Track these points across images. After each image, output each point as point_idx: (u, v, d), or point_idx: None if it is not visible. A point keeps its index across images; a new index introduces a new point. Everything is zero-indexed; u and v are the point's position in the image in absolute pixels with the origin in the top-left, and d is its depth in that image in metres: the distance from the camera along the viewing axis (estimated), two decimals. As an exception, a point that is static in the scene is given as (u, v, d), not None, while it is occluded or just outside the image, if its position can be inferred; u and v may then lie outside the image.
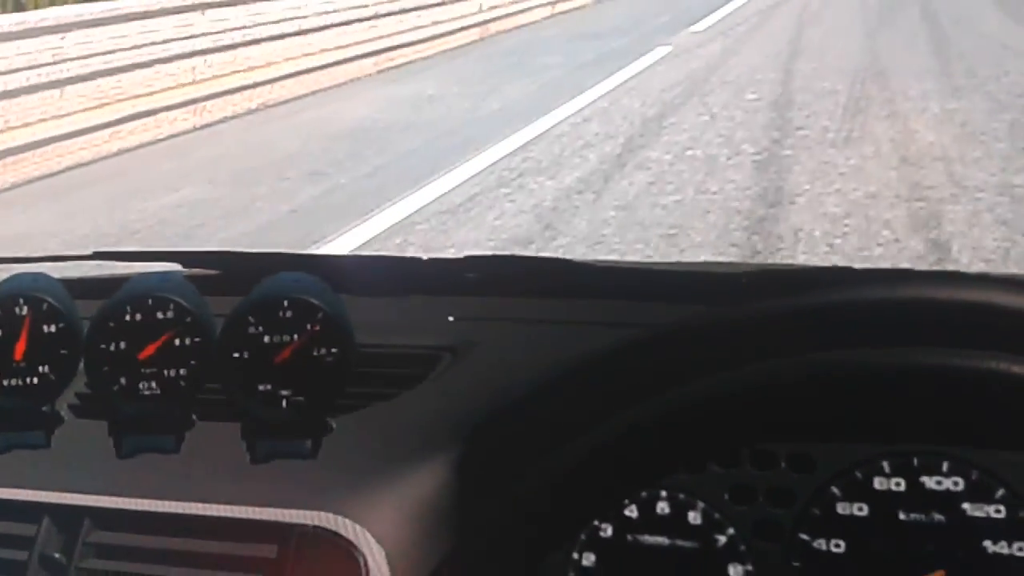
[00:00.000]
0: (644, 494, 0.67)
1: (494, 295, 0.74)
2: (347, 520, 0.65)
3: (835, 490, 0.65)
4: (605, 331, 0.69)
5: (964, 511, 0.62)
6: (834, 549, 0.64)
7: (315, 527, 0.65)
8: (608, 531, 0.68)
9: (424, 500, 0.66)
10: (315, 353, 0.67)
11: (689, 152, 4.68)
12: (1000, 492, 0.62)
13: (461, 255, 0.78)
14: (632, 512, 0.67)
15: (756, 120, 5.27)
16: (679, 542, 0.66)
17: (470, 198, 4.16)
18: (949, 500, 0.63)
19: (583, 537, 0.68)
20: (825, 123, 5.05)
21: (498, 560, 0.67)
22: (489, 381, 0.70)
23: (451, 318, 0.74)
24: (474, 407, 0.68)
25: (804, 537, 0.64)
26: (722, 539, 0.66)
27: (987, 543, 0.62)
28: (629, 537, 0.67)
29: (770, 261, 3.17)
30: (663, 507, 0.67)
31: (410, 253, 3.31)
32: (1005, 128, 4.70)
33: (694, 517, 0.67)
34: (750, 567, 0.65)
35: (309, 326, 0.66)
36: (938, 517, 0.63)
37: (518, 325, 0.73)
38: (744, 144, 4.74)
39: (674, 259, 3.09)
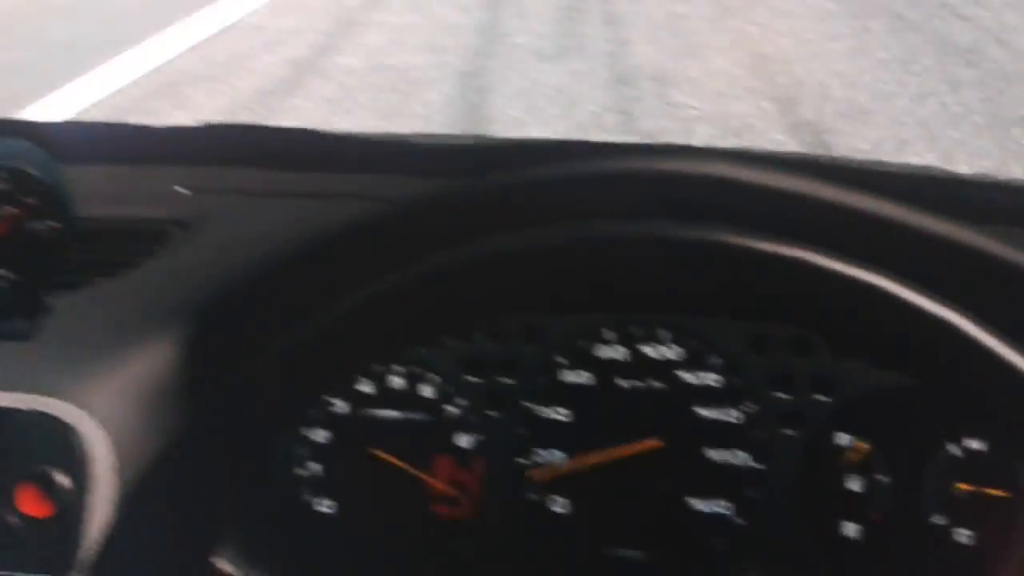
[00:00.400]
0: (378, 369, 0.67)
1: (229, 165, 0.69)
2: (66, 404, 0.62)
3: (561, 359, 0.66)
4: (342, 204, 0.66)
5: (680, 378, 0.65)
6: (558, 416, 0.66)
7: (31, 411, 0.62)
8: (340, 406, 0.67)
9: (150, 381, 0.64)
10: (32, 227, 0.62)
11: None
12: (715, 360, 0.65)
13: (195, 122, 0.72)
14: (366, 387, 0.67)
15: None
16: (412, 415, 0.67)
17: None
18: (667, 368, 0.65)
19: (315, 414, 0.67)
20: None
21: (227, 439, 0.66)
22: (221, 256, 0.67)
23: (182, 190, 0.70)
24: (204, 284, 0.66)
25: (530, 405, 0.66)
26: (453, 410, 0.67)
27: (701, 409, 0.64)
28: (362, 412, 0.67)
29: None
30: (397, 381, 0.67)
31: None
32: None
33: (427, 389, 0.67)
34: (479, 436, 0.66)
35: (24, 197, 0.62)
36: (656, 384, 0.65)
37: (253, 198, 0.69)
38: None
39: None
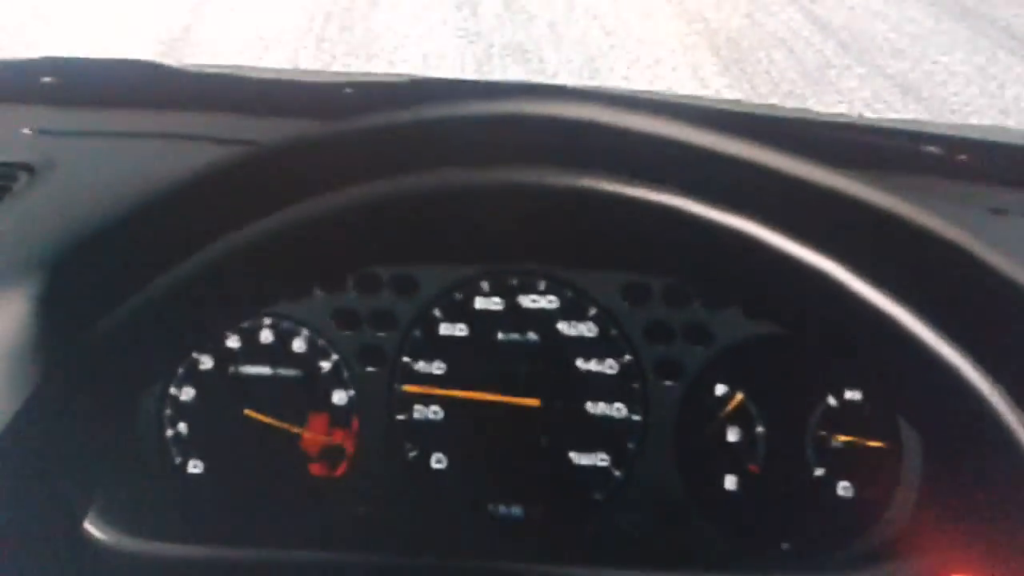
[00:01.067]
0: (246, 324, 0.65)
1: (78, 104, 0.66)
2: None
3: (437, 312, 0.64)
4: (201, 147, 0.63)
5: (558, 330, 0.64)
6: (436, 371, 0.64)
7: None
8: (208, 363, 0.65)
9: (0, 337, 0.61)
10: None
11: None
12: (592, 311, 0.64)
13: (37, 55, 0.68)
14: (234, 342, 0.65)
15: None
16: (283, 371, 0.65)
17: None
18: (544, 319, 0.64)
19: (181, 371, 0.65)
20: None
21: (87, 399, 0.64)
22: (72, 203, 0.64)
23: (27, 130, 0.66)
24: (54, 233, 0.63)
25: (406, 360, 0.65)
26: (326, 366, 0.65)
27: (579, 361, 0.64)
28: (231, 368, 0.65)
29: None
30: (266, 336, 0.65)
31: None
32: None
33: (298, 345, 0.65)
34: (353, 393, 0.65)
35: None
36: (533, 336, 0.64)
37: (107, 139, 0.66)
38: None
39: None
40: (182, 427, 0.66)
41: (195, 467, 0.65)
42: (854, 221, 0.44)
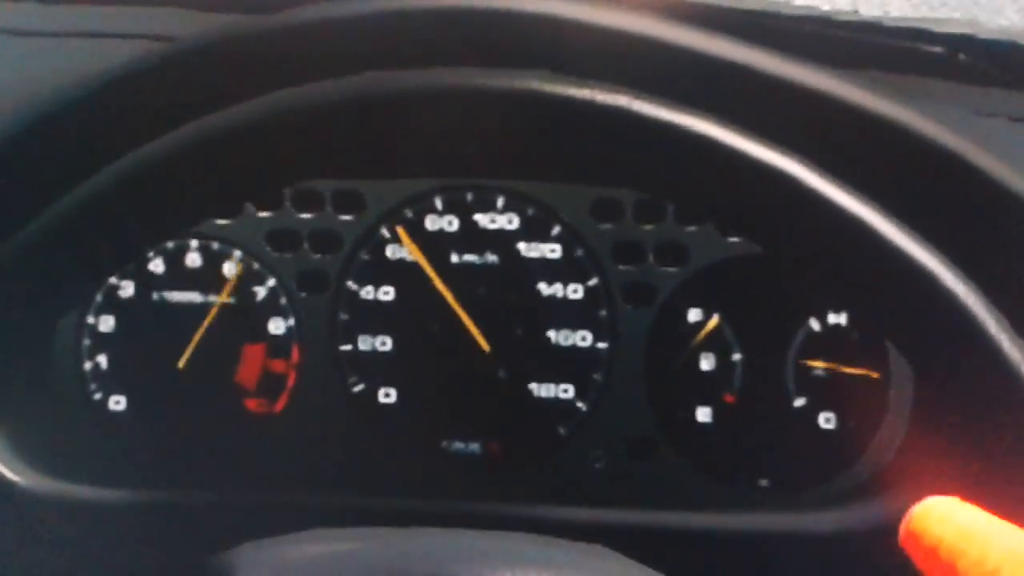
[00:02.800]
0: (170, 244, 0.61)
1: None
2: None
3: (384, 232, 0.60)
4: (118, 44, 0.59)
5: (519, 251, 0.60)
6: (383, 297, 0.61)
7: None
8: (129, 290, 0.61)
9: None
10: None
11: None
12: (556, 230, 0.60)
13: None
14: (157, 266, 0.61)
15: None
16: (213, 297, 0.61)
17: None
18: (504, 239, 0.60)
19: (99, 299, 0.61)
20: None
21: None
22: None
23: None
24: None
25: (352, 286, 0.61)
26: (262, 291, 0.61)
27: (541, 285, 0.60)
28: (154, 295, 0.61)
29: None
30: (193, 259, 0.61)
31: None
32: None
33: (229, 268, 0.61)
34: (292, 321, 0.61)
35: None
36: (491, 258, 0.60)
37: (7, 38, 0.61)
38: None
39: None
40: (101, 360, 0.62)
41: (117, 403, 0.62)
42: (834, 124, 0.41)
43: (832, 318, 0.58)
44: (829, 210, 0.39)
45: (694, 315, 0.59)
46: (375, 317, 0.60)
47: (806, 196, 0.39)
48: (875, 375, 0.59)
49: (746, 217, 0.42)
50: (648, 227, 0.58)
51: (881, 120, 0.39)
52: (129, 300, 0.60)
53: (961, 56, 0.58)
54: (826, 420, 0.59)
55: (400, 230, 0.59)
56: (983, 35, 0.61)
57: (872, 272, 0.38)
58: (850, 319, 0.58)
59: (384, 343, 0.60)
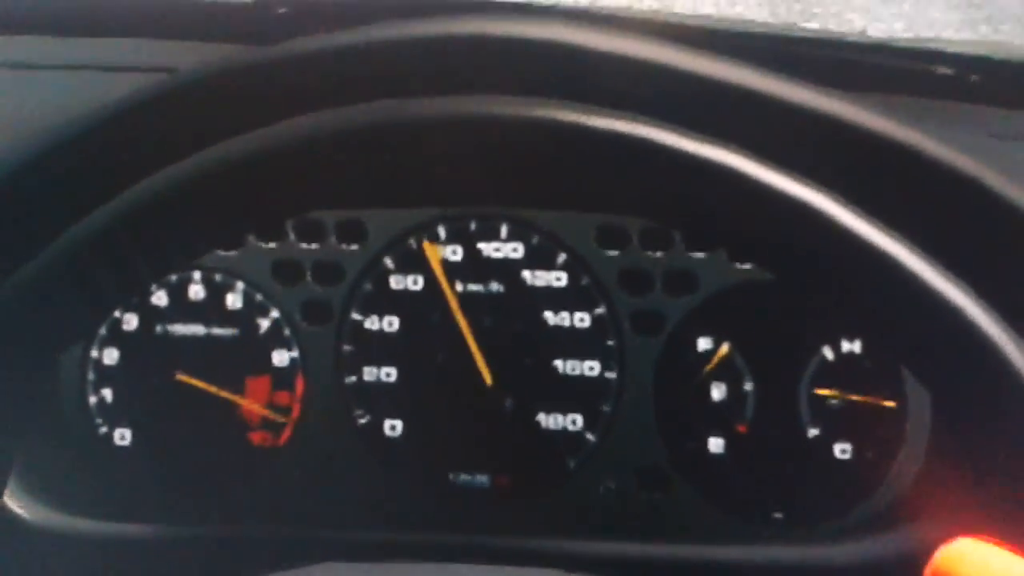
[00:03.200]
0: (174, 277, 0.61)
1: None
2: None
3: (388, 262, 0.60)
4: (120, 77, 0.59)
5: (524, 280, 0.60)
6: (387, 328, 0.60)
7: None
8: (132, 323, 0.60)
9: None
10: None
11: None
12: (561, 258, 0.59)
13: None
14: (160, 299, 0.60)
15: None
16: (216, 330, 0.61)
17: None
18: (509, 268, 0.59)
19: (103, 332, 0.61)
20: None
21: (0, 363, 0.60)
22: None
23: None
24: None
25: (356, 316, 0.60)
26: (265, 323, 0.60)
27: (547, 314, 0.60)
28: (158, 328, 0.61)
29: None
30: (197, 291, 0.61)
31: None
32: None
33: (233, 300, 0.61)
34: (296, 353, 0.61)
35: None
36: (496, 287, 0.60)
37: (10, 71, 0.61)
38: None
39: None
40: (106, 393, 0.61)
41: (122, 438, 0.61)
42: (846, 146, 0.40)
43: (846, 346, 0.57)
44: (845, 234, 0.38)
45: (704, 343, 0.58)
46: (380, 348, 0.59)
47: (822, 220, 0.38)
48: (891, 404, 0.58)
49: (760, 243, 0.41)
50: (655, 254, 0.57)
51: (898, 144, 0.39)
52: (133, 333, 0.60)
53: (973, 77, 0.58)
54: (841, 451, 0.58)
55: (427, 246, 0.59)
56: (997, 56, 0.61)
57: (889, 297, 0.38)
58: (864, 347, 0.57)
59: (389, 374, 0.60)
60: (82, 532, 0.59)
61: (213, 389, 0.60)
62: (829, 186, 0.39)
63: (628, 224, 0.58)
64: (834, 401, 0.58)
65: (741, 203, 0.40)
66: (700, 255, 0.57)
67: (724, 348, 0.58)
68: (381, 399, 0.60)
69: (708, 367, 0.58)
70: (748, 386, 0.58)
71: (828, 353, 0.58)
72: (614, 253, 0.58)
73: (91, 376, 0.60)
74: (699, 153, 0.39)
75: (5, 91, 0.60)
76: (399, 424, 0.60)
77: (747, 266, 0.57)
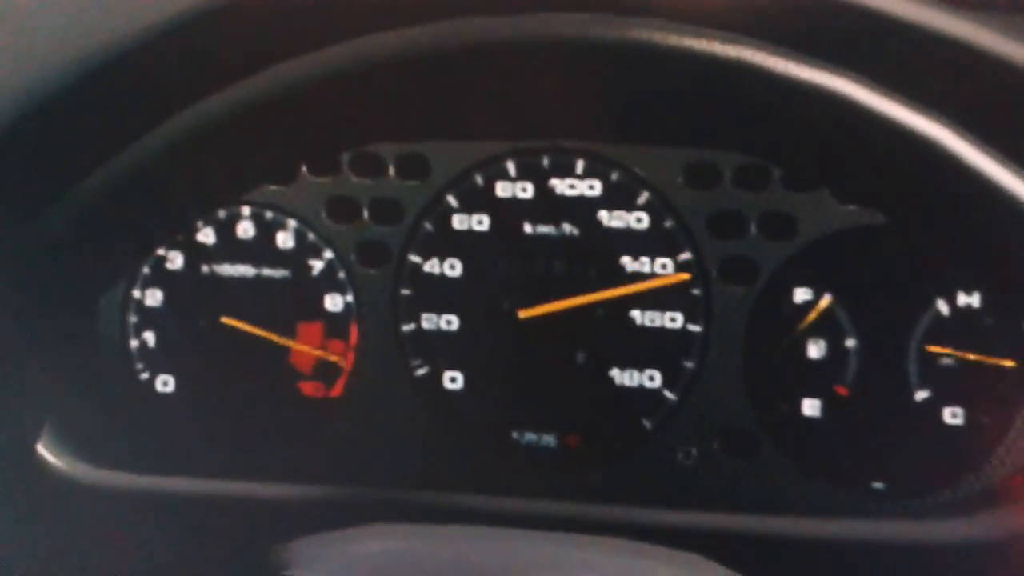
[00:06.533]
0: (222, 213, 0.59)
1: None
2: None
3: (451, 200, 0.57)
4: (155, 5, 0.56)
5: (601, 221, 0.56)
6: (449, 272, 0.57)
7: None
8: (177, 262, 0.59)
9: None
10: None
11: None
12: (643, 197, 0.56)
13: None
14: (207, 237, 0.58)
15: None
16: (266, 271, 0.59)
17: None
18: (583, 208, 0.56)
19: (146, 271, 0.59)
20: None
21: (36, 304, 0.59)
22: (16, 66, 0.58)
23: None
24: None
25: (415, 259, 0.57)
26: (319, 265, 0.58)
27: (625, 259, 0.56)
28: (204, 268, 0.59)
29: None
30: (245, 228, 0.58)
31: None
32: None
33: (284, 239, 0.58)
34: (351, 298, 0.58)
35: None
36: (569, 229, 0.56)
37: None
38: None
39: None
40: (148, 337, 0.60)
41: (164, 384, 0.60)
42: (978, 78, 0.37)
43: (963, 299, 0.54)
44: (974, 171, 0.35)
45: (801, 295, 0.55)
46: (440, 293, 0.57)
47: (950, 154, 0.35)
48: (1011, 364, 0.54)
49: (873, 179, 0.38)
50: (750, 195, 0.54)
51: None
52: (177, 273, 0.58)
53: None
54: (952, 415, 0.54)
55: (468, 198, 0.56)
56: None
57: (1015, 245, 0.34)
58: (984, 300, 0.53)
59: (450, 322, 0.57)
60: (119, 487, 0.57)
61: (262, 335, 0.58)
62: (954, 120, 0.35)
63: (720, 161, 0.54)
64: (947, 360, 0.54)
65: (856, 131, 0.37)
66: (800, 196, 0.54)
67: (825, 300, 0.54)
68: (441, 349, 0.57)
69: (806, 321, 0.55)
70: (850, 343, 0.54)
71: (942, 307, 0.54)
72: (703, 193, 0.54)
73: (133, 318, 0.59)
74: (809, 75, 0.36)
75: (42, 9, 0.58)
76: (459, 376, 0.57)
77: (853, 208, 0.53)
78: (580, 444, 0.57)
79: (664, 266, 0.55)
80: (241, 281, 0.58)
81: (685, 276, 0.55)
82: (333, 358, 0.58)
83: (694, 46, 0.39)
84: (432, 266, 0.57)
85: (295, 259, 0.57)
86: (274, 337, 0.58)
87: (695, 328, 0.55)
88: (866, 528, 0.53)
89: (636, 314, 0.56)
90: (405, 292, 0.57)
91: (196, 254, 0.58)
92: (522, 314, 0.56)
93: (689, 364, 0.55)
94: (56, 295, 0.59)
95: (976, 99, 0.36)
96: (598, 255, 0.56)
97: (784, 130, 0.38)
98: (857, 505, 0.54)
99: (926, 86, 0.36)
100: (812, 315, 0.54)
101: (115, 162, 0.54)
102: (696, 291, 0.55)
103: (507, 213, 0.56)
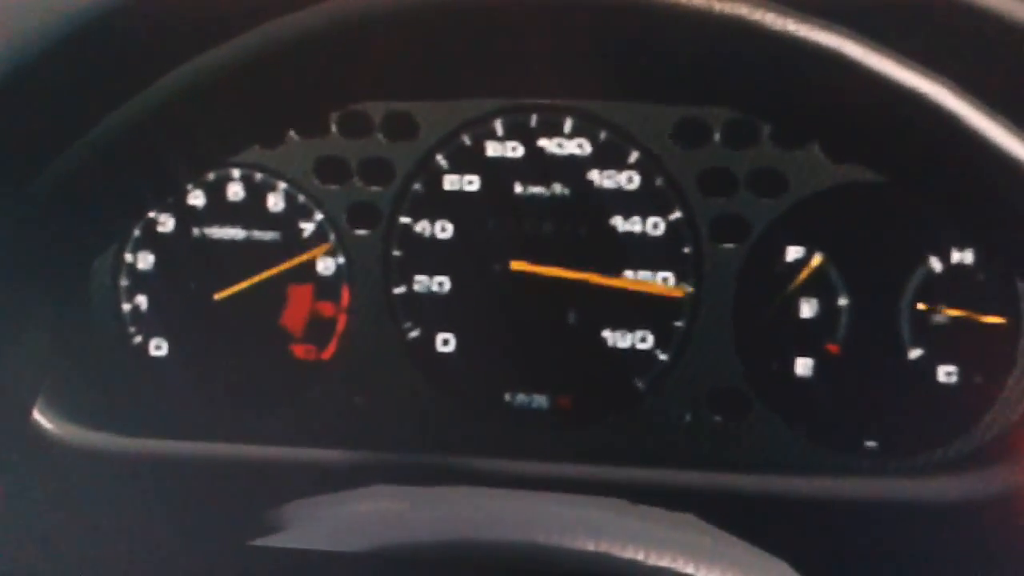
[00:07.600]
0: (211, 176, 0.59)
1: None
2: None
3: (441, 160, 0.57)
4: None
5: (590, 181, 0.56)
6: (440, 233, 0.58)
7: None
8: (168, 224, 0.59)
9: None
10: None
11: None
12: (633, 156, 0.56)
13: None
14: (197, 199, 0.59)
15: None
16: (256, 233, 0.59)
17: None
18: (573, 167, 0.56)
19: (137, 234, 0.60)
20: None
21: (27, 267, 0.60)
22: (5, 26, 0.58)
23: None
24: None
25: (406, 220, 0.58)
26: (309, 227, 0.58)
27: (616, 219, 0.56)
28: (195, 230, 0.59)
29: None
30: (236, 191, 0.59)
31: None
32: None
33: (274, 201, 0.59)
34: (342, 260, 0.59)
35: None
36: (559, 189, 0.57)
37: None
38: None
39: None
40: (141, 300, 0.60)
41: (157, 348, 0.61)
42: (976, 35, 0.36)
43: (956, 256, 0.54)
44: (968, 133, 0.35)
45: (793, 253, 0.55)
46: (431, 255, 0.57)
47: (944, 109, 0.35)
48: (1003, 322, 0.54)
49: (865, 135, 0.38)
50: (740, 152, 0.54)
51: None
52: (168, 235, 0.59)
53: None
54: (945, 374, 0.55)
55: (457, 158, 0.56)
56: None
57: (1016, 198, 0.34)
58: (978, 257, 0.53)
59: (441, 284, 0.58)
60: (113, 450, 0.58)
61: (253, 297, 0.59)
62: (949, 73, 0.35)
63: (709, 117, 0.54)
64: (940, 318, 0.54)
65: (847, 85, 0.37)
66: (791, 152, 0.54)
67: (816, 258, 0.54)
68: (432, 311, 0.58)
69: (797, 280, 0.55)
70: (842, 301, 0.54)
71: (935, 264, 0.54)
72: (693, 150, 0.54)
73: (124, 282, 0.59)
74: (799, 28, 0.36)
75: None
76: (451, 338, 0.58)
77: (844, 165, 0.53)
78: (572, 404, 0.57)
79: (656, 225, 0.55)
80: (232, 243, 0.58)
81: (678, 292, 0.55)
82: (323, 325, 0.58)
83: (685, 0, 0.39)
84: (423, 227, 0.57)
85: (285, 221, 0.58)
86: (265, 301, 0.59)
87: (687, 288, 0.55)
88: (859, 487, 0.53)
89: (628, 274, 0.56)
90: (396, 254, 0.57)
91: (187, 216, 0.58)
92: (514, 265, 0.56)
93: (680, 324, 0.55)
94: (48, 259, 0.59)
95: (974, 56, 0.35)
96: (589, 215, 0.56)
97: (776, 86, 0.38)
98: (850, 464, 0.55)
99: (923, 42, 0.36)
100: (804, 273, 0.54)
101: (103, 125, 0.55)
102: (687, 250, 0.55)
103: (497, 173, 0.56)
